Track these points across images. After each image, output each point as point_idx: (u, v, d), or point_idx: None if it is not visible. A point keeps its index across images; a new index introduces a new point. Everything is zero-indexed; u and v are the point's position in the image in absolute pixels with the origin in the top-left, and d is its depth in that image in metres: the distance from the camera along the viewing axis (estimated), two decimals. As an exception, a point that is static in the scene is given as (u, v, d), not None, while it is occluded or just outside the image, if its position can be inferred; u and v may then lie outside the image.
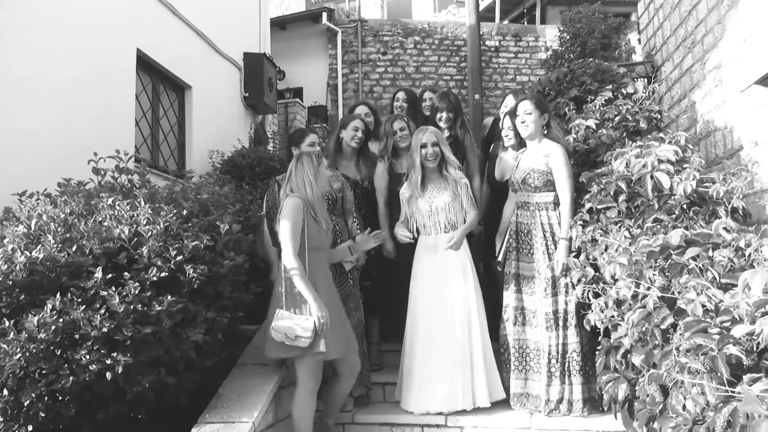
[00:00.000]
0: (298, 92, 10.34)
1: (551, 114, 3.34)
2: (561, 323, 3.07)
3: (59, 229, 2.68)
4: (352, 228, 3.42)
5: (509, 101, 4.37)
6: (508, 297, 3.25)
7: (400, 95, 4.50)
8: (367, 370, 3.44)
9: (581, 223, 2.97)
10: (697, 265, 2.13)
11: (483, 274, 3.71)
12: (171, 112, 5.83)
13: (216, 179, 4.80)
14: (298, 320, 2.68)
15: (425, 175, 3.35)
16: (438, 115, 3.91)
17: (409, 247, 3.41)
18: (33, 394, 2.43)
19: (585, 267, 2.78)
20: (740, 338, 1.80)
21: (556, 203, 3.18)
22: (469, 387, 3.12)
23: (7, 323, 2.42)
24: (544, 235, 3.15)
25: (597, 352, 2.63)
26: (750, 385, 1.69)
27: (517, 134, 3.44)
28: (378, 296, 3.74)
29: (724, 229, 2.24)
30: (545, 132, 3.26)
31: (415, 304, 3.28)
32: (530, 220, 3.23)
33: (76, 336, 2.44)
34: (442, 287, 3.23)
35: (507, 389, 3.21)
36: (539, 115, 3.25)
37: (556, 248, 3.11)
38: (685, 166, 2.78)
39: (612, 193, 2.84)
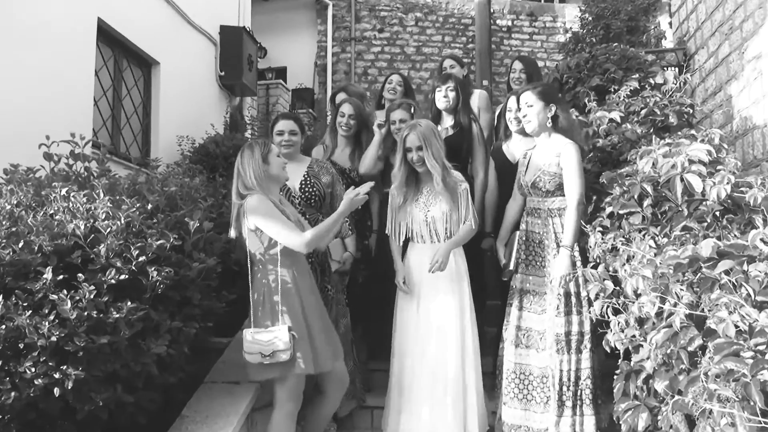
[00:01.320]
0: (281, 72, 10.33)
1: (562, 104, 3.34)
2: (574, 346, 3.08)
3: (4, 223, 2.66)
4: (344, 228, 3.43)
5: (517, 66, 4.40)
6: (511, 314, 3.26)
7: (395, 78, 4.52)
8: (360, 380, 3.45)
9: (600, 229, 2.98)
10: (730, 280, 2.15)
11: (498, 293, 3.72)
12: (135, 91, 5.81)
13: (185, 169, 4.79)
14: (277, 332, 2.67)
15: (418, 177, 3.33)
16: (437, 93, 3.92)
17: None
18: (-32, 412, 2.42)
19: (604, 280, 2.79)
20: (777, 363, 1.81)
21: None
22: (461, 418, 3.11)
23: (-60, 329, 2.41)
24: (557, 245, 3.16)
25: (615, 377, 2.65)
26: (786, 417, 1.70)
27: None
28: (366, 306, 3.76)
29: (762, 240, 2.26)
30: (550, 125, 3.26)
31: (403, 317, 3.28)
32: (542, 228, 3.24)
33: (21, 345, 2.43)
34: (433, 299, 3.23)
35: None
36: (543, 107, 3.25)
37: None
38: (718, 167, 2.80)
39: (636, 197, 2.85)
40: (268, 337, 2.67)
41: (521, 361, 3.21)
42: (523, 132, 3.63)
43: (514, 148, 3.75)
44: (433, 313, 3.21)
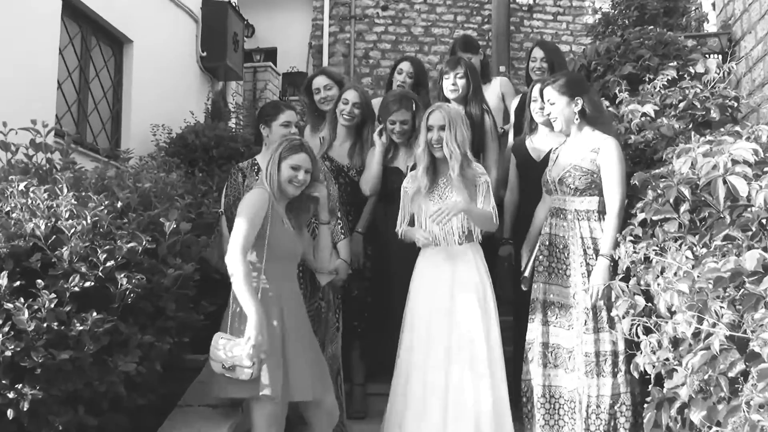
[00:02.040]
0: (270, 54, 10.36)
1: (591, 93, 3.36)
2: (607, 368, 3.08)
3: (-47, 221, 2.67)
4: (335, 232, 3.44)
5: (537, 54, 4.42)
6: (534, 330, 3.27)
7: (405, 66, 4.49)
8: (342, 417, 3.46)
9: (632, 238, 2.99)
10: (777, 298, 2.15)
11: (515, 309, 3.74)
12: (105, 73, 5.82)
13: (161, 163, 4.81)
14: (243, 344, 2.67)
15: (436, 166, 3.37)
16: (444, 81, 3.94)
17: (405, 261, 3.44)
18: None
19: (634, 295, 2.80)
20: (829, 393, 1.82)
21: (602, 212, 3.20)
22: None
23: None
24: (585, 252, 3.18)
25: (645, 405, 2.65)
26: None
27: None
28: (362, 322, 3.76)
29: (815, 252, 2.26)
30: (578, 119, 3.29)
31: (412, 338, 3.26)
32: (567, 231, 3.26)
33: (-29, 360, 2.43)
34: (449, 318, 3.22)
35: None
36: (567, 102, 3.28)
37: None
38: (766, 169, 2.81)
39: (672, 201, 2.86)
40: (233, 349, 2.68)
41: (551, 382, 3.21)
42: (549, 124, 3.65)
43: (539, 143, 3.78)
44: (451, 335, 3.19)
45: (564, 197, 3.28)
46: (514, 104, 4.61)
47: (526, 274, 3.37)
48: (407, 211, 3.40)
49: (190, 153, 5.44)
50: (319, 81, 4.27)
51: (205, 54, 7.13)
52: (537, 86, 3.72)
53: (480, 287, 3.26)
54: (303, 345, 2.83)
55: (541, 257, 3.32)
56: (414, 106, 3.76)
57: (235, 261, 2.71)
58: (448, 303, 3.24)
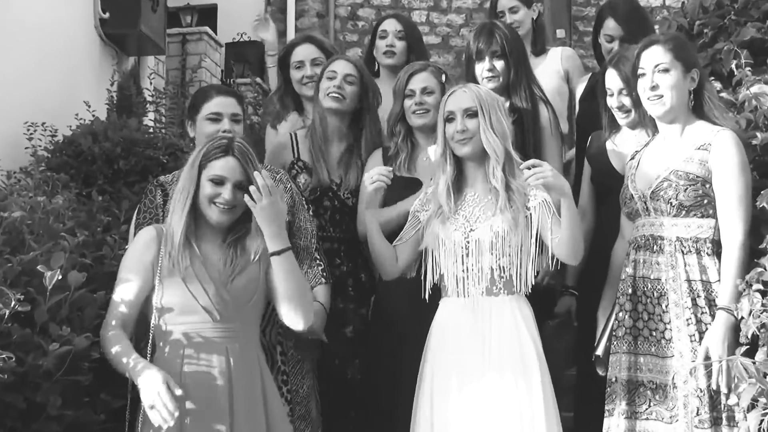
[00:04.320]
0: (207, 15, 10.43)
1: (704, 72, 3.40)
2: None
3: None
4: (313, 272, 3.52)
5: (610, 23, 4.46)
6: (613, 425, 3.28)
7: (390, 25, 4.59)
8: None
9: (760, 287, 3.00)
10: None
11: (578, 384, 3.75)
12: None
13: (39, 181, 4.80)
14: None
15: (461, 175, 3.42)
16: (477, 66, 4.01)
17: (419, 319, 3.49)
18: None
19: (765, 376, 2.80)
20: None
21: (718, 241, 3.22)
22: None
23: None
24: (695, 303, 3.21)
25: None
26: None
27: (637, 104, 3.54)
28: (358, 413, 3.86)
29: None
30: (692, 103, 3.33)
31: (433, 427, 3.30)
32: (664, 272, 3.28)
33: None
34: (482, 398, 3.25)
35: None
36: (683, 74, 3.33)
37: None
38: None
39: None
40: None
41: None
42: (637, 124, 3.69)
43: (625, 148, 3.84)
44: (484, 421, 3.22)
45: (659, 219, 3.30)
46: (579, 90, 4.65)
47: (600, 350, 3.37)
48: (409, 237, 3.48)
49: (85, 165, 5.42)
50: (304, 51, 4.34)
51: (106, 16, 7.14)
52: (613, 74, 3.76)
53: (519, 355, 3.27)
54: None
55: (621, 314, 3.33)
56: (443, 76, 3.94)
57: (102, 340, 2.90)
58: (477, 381, 3.26)
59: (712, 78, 4.05)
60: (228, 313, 3.01)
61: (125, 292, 2.96)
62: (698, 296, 3.21)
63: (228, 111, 3.53)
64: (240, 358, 3.02)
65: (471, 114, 3.37)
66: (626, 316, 3.32)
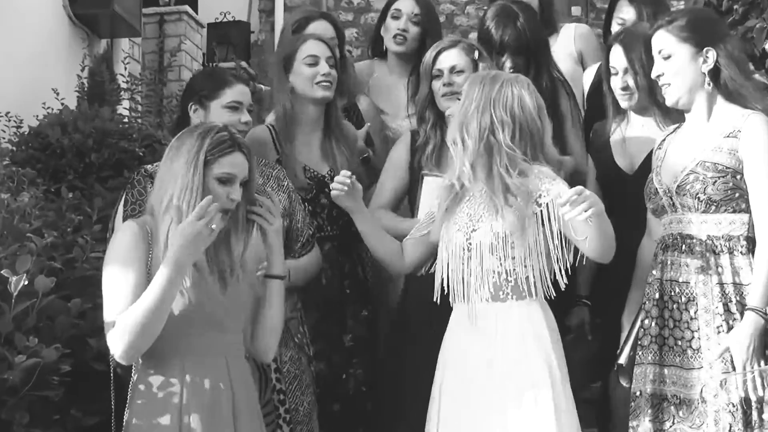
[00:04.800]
0: (187, -8, 10.44)
1: (729, 44, 3.39)
2: None
3: None
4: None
5: (624, 10, 4.45)
6: None
7: (405, 5, 4.54)
8: None
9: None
10: None
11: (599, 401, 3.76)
12: None
13: (3, 176, 4.80)
14: None
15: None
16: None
17: (430, 324, 3.50)
18: None
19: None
20: None
21: (753, 239, 3.23)
22: None
23: None
24: (727, 309, 3.20)
25: None
26: None
27: (650, 86, 3.59)
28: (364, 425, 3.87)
29: None
30: (710, 85, 3.32)
31: None
32: (693, 274, 3.27)
33: None
34: (486, 428, 3.25)
35: None
36: (693, 54, 3.32)
37: None
38: None
39: None
40: None
41: None
42: (644, 109, 3.67)
43: (633, 144, 3.85)
44: None
45: (687, 216, 3.30)
46: (587, 79, 4.63)
47: (623, 359, 3.37)
48: (422, 234, 3.48)
49: (54, 159, 5.42)
50: (323, 28, 4.30)
51: (77, -5, 7.16)
52: (618, 51, 3.75)
53: (527, 381, 3.23)
54: None
55: (647, 321, 3.33)
56: (476, 53, 3.84)
57: (113, 339, 2.74)
58: (484, 403, 3.24)
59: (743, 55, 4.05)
60: (226, 322, 2.98)
61: (125, 286, 2.79)
62: (730, 301, 3.19)
63: (247, 101, 3.56)
64: (238, 368, 3.00)
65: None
66: (653, 323, 3.31)
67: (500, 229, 3.26)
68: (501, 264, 3.26)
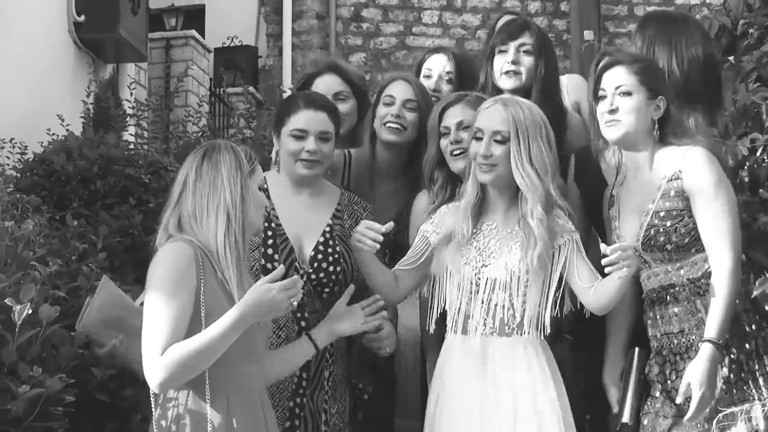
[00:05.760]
0: (194, 17, 10.51)
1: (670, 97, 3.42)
2: None
3: None
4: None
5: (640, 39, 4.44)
6: None
7: (436, 63, 4.45)
8: None
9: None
10: None
11: None
12: None
13: (7, 203, 4.81)
14: None
15: (484, 196, 3.43)
16: (496, 60, 4.03)
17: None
18: None
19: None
20: None
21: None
22: None
23: None
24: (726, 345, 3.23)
25: None
26: None
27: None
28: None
29: None
30: (657, 133, 3.37)
31: None
32: (686, 322, 3.31)
33: None
34: None
35: None
36: (646, 99, 3.34)
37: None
38: None
39: None
40: None
41: None
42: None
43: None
44: None
45: (661, 267, 3.32)
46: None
47: (627, 416, 3.38)
48: (418, 259, 3.45)
49: (58, 186, 5.43)
50: (327, 84, 4.20)
51: (82, 19, 7.17)
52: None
53: (534, 418, 3.25)
54: None
55: (651, 375, 3.36)
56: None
57: (153, 362, 2.74)
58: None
59: (758, 84, 4.05)
60: (260, 353, 3.04)
61: (174, 313, 2.78)
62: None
63: (316, 128, 3.47)
64: (264, 396, 3.05)
65: (500, 140, 3.29)
66: (656, 379, 3.34)
67: (515, 267, 3.30)
68: (510, 300, 3.30)
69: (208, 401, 2.80)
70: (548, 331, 3.33)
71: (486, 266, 3.34)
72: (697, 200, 3.21)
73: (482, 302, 3.32)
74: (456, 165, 3.61)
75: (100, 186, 5.36)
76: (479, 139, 3.32)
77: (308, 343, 3.26)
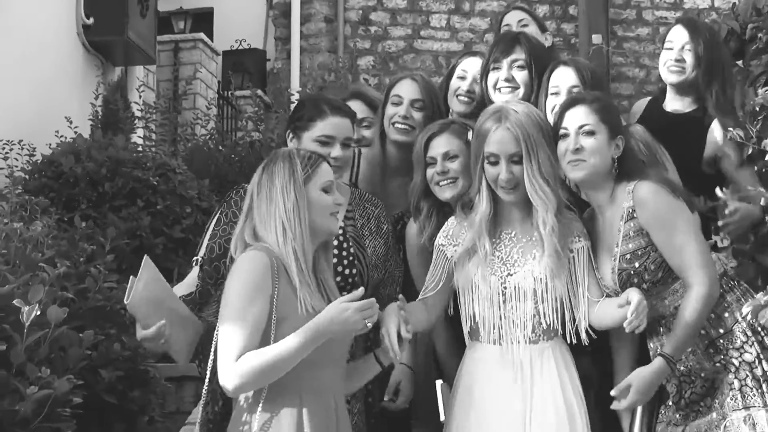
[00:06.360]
0: (203, 20, 10.52)
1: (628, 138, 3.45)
2: None
3: None
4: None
5: (676, 37, 4.38)
6: None
7: (471, 66, 4.33)
8: None
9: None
10: None
11: None
12: None
13: (16, 205, 4.82)
14: None
15: (497, 209, 3.42)
16: (490, 76, 4.01)
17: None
18: None
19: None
20: None
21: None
22: None
23: None
24: (729, 360, 3.27)
25: None
26: None
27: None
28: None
29: None
30: (615, 171, 3.38)
31: None
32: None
33: None
34: None
35: None
36: (608, 139, 3.35)
37: None
38: None
39: None
40: None
41: None
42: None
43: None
44: None
45: (648, 302, 3.29)
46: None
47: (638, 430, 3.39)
48: (440, 279, 3.43)
49: (67, 188, 5.44)
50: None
51: (91, 22, 7.17)
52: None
53: (566, 420, 3.26)
54: None
55: (672, 391, 3.37)
56: (469, 135, 3.68)
57: (228, 370, 2.78)
58: None
59: (766, 89, 4.05)
60: (340, 357, 3.06)
61: (251, 320, 2.82)
62: (725, 353, 3.27)
63: (341, 135, 3.45)
64: (341, 403, 3.06)
65: (516, 160, 3.28)
66: (679, 391, 3.35)
67: (540, 273, 3.30)
68: (536, 307, 3.30)
69: (281, 400, 2.85)
70: (583, 335, 3.31)
71: (511, 275, 3.33)
72: (656, 235, 3.23)
73: (511, 310, 3.33)
74: (443, 194, 3.59)
75: (109, 188, 5.39)
76: (494, 163, 3.32)
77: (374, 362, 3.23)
